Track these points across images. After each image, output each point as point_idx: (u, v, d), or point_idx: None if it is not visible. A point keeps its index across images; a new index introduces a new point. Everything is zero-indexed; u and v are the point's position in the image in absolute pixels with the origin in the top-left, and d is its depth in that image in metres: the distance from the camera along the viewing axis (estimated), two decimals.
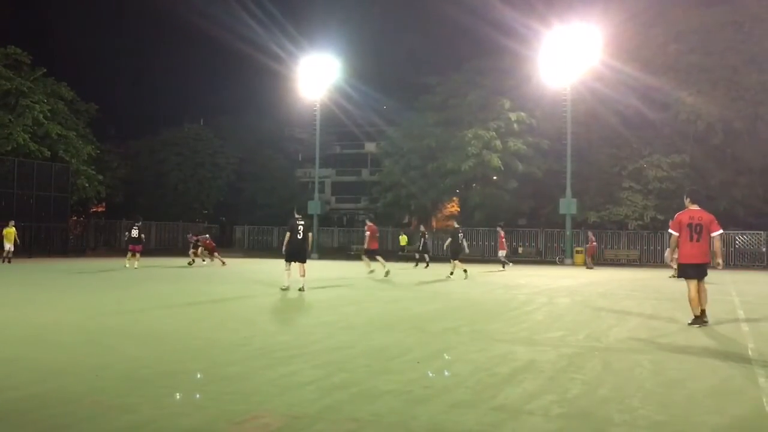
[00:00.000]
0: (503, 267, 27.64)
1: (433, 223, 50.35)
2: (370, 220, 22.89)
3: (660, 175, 38.98)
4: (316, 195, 41.32)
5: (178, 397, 4.95)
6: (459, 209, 47.98)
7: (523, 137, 42.26)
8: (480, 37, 54.20)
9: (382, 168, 50.49)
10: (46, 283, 17.07)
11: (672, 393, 5.35)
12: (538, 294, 14.96)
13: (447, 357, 6.73)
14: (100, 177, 41.93)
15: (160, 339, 7.84)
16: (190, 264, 26.88)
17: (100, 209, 52.03)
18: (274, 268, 21.41)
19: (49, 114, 38.22)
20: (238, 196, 55.93)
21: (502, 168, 41.38)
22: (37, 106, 37.28)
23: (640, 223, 39.43)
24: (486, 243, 41.55)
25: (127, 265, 23.42)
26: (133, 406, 4.67)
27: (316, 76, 40.98)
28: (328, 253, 41.50)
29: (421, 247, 28.89)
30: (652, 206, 39.14)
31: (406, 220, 51.93)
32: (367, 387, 5.37)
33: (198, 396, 4.98)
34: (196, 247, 28.25)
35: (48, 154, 37.38)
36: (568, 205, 37.47)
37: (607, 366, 6.43)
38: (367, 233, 22.08)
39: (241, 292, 14.49)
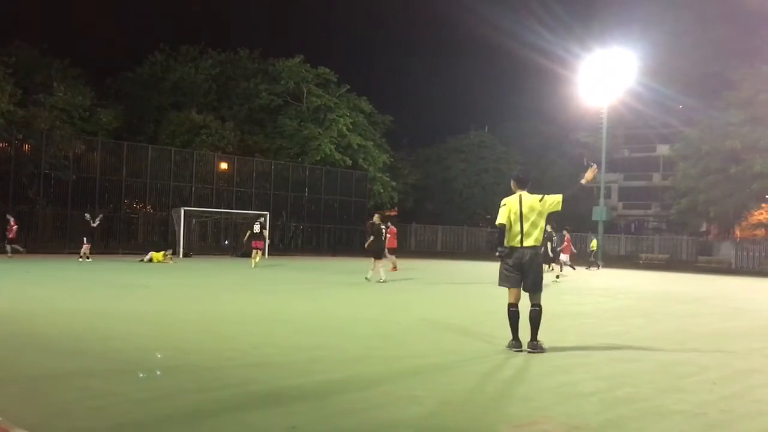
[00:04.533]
0: None
1: (737, 232, 45.42)
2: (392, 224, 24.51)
3: None
4: (602, 201, 39.62)
5: (460, 394, 5.14)
6: None
7: None
8: None
9: (676, 172, 47.03)
10: (342, 281, 18.85)
11: None
12: None
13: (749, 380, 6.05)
14: (393, 183, 45.32)
15: (443, 334, 8.26)
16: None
17: (392, 213, 55.92)
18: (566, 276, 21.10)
19: (351, 126, 42.26)
20: None
21: None
22: (341, 119, 41.49)
23: None
24: None
25: (253, 265, 21.41)
26: (420, 398, 4.96)
27: (604, 76, 39.18)
28: (614, 261, 39.63)
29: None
30: None
31: (703, 229, 47.53)
32: (654, 404, 5.04)
33: (477, 396, 5.13)
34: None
35: (349, 162, 41.42)
36: None
37: None
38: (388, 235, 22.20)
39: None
